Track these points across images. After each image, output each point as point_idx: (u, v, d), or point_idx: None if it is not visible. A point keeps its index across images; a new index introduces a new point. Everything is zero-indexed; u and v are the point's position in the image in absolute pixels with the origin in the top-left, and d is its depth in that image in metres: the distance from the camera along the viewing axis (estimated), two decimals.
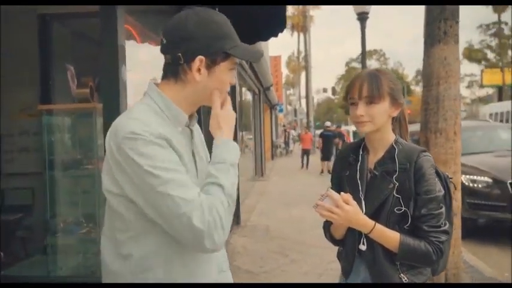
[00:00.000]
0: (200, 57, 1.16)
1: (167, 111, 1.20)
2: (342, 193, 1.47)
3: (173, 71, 1.20)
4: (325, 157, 14.35)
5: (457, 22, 4.18)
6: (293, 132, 30.36)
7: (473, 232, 5.40)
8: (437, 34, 4.11)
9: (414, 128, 5.52)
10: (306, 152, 16.42)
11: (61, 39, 3.73)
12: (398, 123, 1.63)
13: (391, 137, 1.57)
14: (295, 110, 40.29)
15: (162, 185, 1.07)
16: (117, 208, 1.16)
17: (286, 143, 25.99)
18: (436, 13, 4.13)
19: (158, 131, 1.11)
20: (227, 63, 1.21)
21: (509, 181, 5.52)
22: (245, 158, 11.71)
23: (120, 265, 1.17)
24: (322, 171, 14.25)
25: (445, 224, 1.47)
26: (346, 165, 1.64)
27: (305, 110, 34.95)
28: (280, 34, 4.84)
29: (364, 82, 1.51)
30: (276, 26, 4.76)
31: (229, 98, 1.29)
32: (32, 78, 3.60)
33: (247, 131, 13.20)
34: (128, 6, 2.66)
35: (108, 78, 2.40)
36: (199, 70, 1.17)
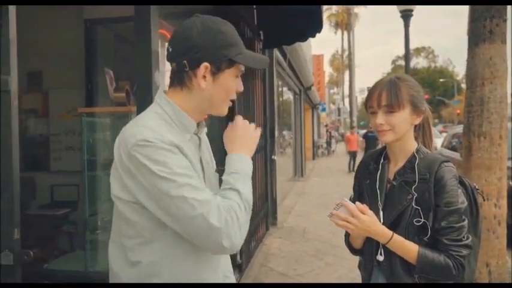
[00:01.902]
0: (205, 64, 1.18)
1: (176, 118, 1.22)
2: (357, 203, 1.46)
3: (179, 78, 1.22)
4: None
5: (505, 20, 3.97)
6: (334, 133, 29.86)
7: None
8: (482, 33, 3.92)
9: (461, 130, 5.30)
10: (352, 154, 15.73)
11: (105, 43, 3.91)
12: (422, 130, 1.58)
13: (412, 145, 1.53)
14: (338, 110, 39.69)
15: (176, 188, 1.09)
16: (125, 214, 1.18)
17: (328, 143, 25.66)
18: (481, 10, 3.94)
19: (169, 139, 1.13)
20: (232, 70, 1.22)
21: None
22: (285, 158, 11.69)
23: (127, 272, 1.19)
24: None
25: (467, 238, 1.41)
26: (366, 174, 1.62)
27: (348, 109, 34.36)
28: (323, 32, 4.83)
29: (383, 91, 1.48)
30: (313, 27, 4.74)
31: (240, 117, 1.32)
32: (78, 81, 3.81)
33: (288, 130, 13.18)
34: (162, 10, 2.74)
35: (142, 83, 2.49)
36: (204, 77, 1.19)
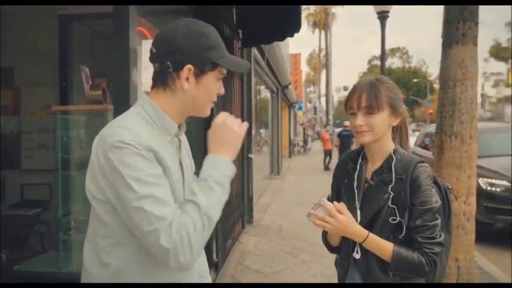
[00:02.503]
0: (189, 66, 1.19)
1: (157, 120, 1.22)
2: (335, 202, 1.48)
3: (162, 79, 1.22)
4: None
5: (477, 23, 4.09)
6: (310, 131, 30.12)
7: (489, 237, 5.29)
8: (455, 35, 4.03)
9: (433, 129, 5.45)
10: (327, 153, 15.87)
11: (81, 40, 3.83)
12: (399, 131, 1.62)
13: (390, 146, 1.57)
14: (314, 108, 40.03)
15: (138, 199, 1.08)
16: (100, 214, 1.18)
17: (305, 141, 25.87)
18: (455, 13, 4.05)
19: (147, 143, 1.12)
20: (215, 73, 1.23)
21: None
22: (261, 156, 11.73)
23: (98, 271, 1.19)
24: None
25: (440, 236, 1.46)
26: (345, 173, 1.64)
27: (324, 108, 34.73)
28: (301, 31, 4.86)
29: (363, 92, 1.51)
30: (291, 27, 4.76)
31: (228, 115, 1.29)
32: (52, 78, 3.72)
33: (265, 129, 13.22)
34: (141, 8, 2.71)
35: (119, 81, 2.45)
36: (187, 79, 1.20)
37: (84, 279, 1.25)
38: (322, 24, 38.54)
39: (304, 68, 52.75)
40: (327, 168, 15.27)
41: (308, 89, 49.03)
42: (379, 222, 1.49)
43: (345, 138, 14.14)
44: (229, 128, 1.25)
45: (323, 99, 42.75)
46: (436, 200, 1.48)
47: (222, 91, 1.28)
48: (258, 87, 10.17)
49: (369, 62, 67.91)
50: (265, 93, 12.93)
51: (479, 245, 4.11)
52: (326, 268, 4.53)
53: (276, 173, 13.52)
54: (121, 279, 1.17)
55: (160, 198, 1.10)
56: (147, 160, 1.11)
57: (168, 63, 1.19)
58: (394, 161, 1.52)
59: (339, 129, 17.83)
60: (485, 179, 5.58)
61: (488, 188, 5.61)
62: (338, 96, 62.56)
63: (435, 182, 1.54)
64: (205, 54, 1.20)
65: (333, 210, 1.46)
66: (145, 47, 2.99)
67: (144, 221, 1.08)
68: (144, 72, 2.90)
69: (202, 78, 1.21)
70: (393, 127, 1.58)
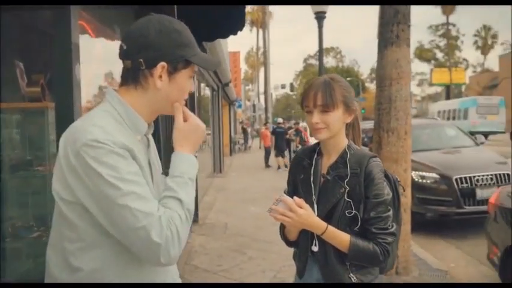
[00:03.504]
0: (162, 63, 1.17)
1: (127, 119, 1.19)
2: (295, 197, 1.53)
3: (133, 77, 1.19)
4: (279, 153, 14.58)
5: (409, 26, 4.37)
6: (249, 129, 30.38)
7: (421, 226, 5.68)
8: (390, 37, 4.28)
9: (368, 125, 5.74)
10: (268, 150, 16.03)
11: (8, 33, 3.54)
12: (352, 128, 1.70)
13: (344, 142, 1.63)
14: (253, 106, 40.43)
15: (122, 196, 1.06)
16: (68, 216, 1.13)
17: (245, 139, 26.05)
18: (389, 16, 4.29)
19: (121, 141, 1.10)
20: (187, 70, 1.22)
21: (455, 177, 5.85)
22: (204, 154, 11.64)
23: (67, 277, 1.14)
24: (279, 167, 14.47)
25: (392, 226, 1.55)
26: (301, 169, 1.69)
27: (264, 105, 35.19)
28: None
29: (318, 91, 1.56)
30: (235, 24, 4.77)
31: (191, 113, 1.28)
32: None
33: (207, 127, 13.11)
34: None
35: (61, 77, 2.32)
36: (160, 77, 1.18)
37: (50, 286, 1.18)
38: (260, 23, 38.97)
39: (243, 66, 53.04)
40: (267, 165, 15.50)
41: (246, 87, 49.36)
42: (336, 216, 1.55)
43: (278, 135, 14.50)
44: (197, 127, 1.26)
45: (262, 97, 43.27)
46: (387, 193, 1.57)
47: (193, 89, 1.28)
48: (200, 84, 10.07)
49: (305, 60, 69.83)
50: (206, 91, 12.83)
51: (413, 234, 4.39)
52: (273, 263, 4.62)
53: (218, 171, 13.48)
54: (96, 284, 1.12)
55: (142, 195, 1.09)
56: (123, 158, 1.09)
57: (141, 60, 1.16)
58: (348, 156, 1.59)
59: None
60: (416, 172, 5.97)
61: (420, 180, 6.01)
62: (276, 93, 63.67)
63: (386, 176, 1.63)
64: (179, 51, 1.18)
65: (293, 205, 1.50)
66: (85, 43, 2.84)
67: (131, 218, 1.06)
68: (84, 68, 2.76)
69: (175, 76, 1.20)
70: (346, 124, 1.65)
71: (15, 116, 2.76)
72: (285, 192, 1.70)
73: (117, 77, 3.95)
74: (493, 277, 4.04)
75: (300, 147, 14.73)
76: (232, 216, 7.06)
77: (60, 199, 1.13)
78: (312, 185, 1.62)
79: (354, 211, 1.53)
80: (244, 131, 26.38)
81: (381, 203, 1.53)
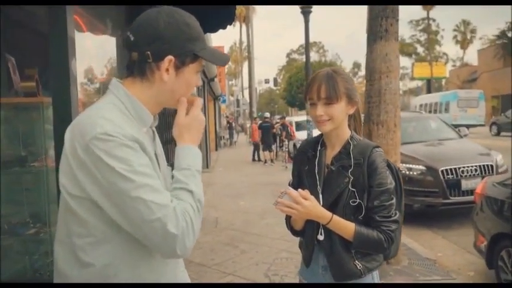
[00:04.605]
0: (170, 57, 1.15)
1: (133, 111, 1.17)
2: (300, 189, 1.55)
3: (140, 69, 1.17)
4: (266, 147, 14.64)
5: (397, 20, 4.44)
6: (234, 124, 30.35)
7: (409, 217, 5.79)
8: (379, 31, 4.34)
9: None
10: (257, 145, 16.03)
11: None
12: (354, 119, 1.73)
13: (347, 133, 1.67)
14: (237, 101, 40.35)
15: (135, 189, 1.05)
16: (76, 211, 1.10)
17: (231, 134, 26.03)
18: (378, 10, 4.35)
19: (130, 133, 1.08)
20: (195, 65, 1.21)
21: (441, 169, 5.98)
22: None
23: (78, 273, 1.12)
24: (265, 162, 14.53)
25: (395, 214, 1.59)
26: (305, 160, 1.72)
27: (248, 100, 35.17)
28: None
29: (322, 84, 1.59)
30: (224, 19, 4.75)
31: (198, 102, 1.27)
32: None
33: None
34: None
35: (57, 72, 2.29)
36: (167, 70, 1.16)
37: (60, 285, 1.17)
38: (243, 18, 38.83)
39: None
40: (256, 159, 15.55)
41: (230, 82, 49.22)
42: (340, 205, 1.59)
43: (264, 130, 14.58)
44: (199, 119, 1.26)
45: (245, 92, 43.23)
46: (390, 182, 1.61)
47: (200, 83, 1.27)
48: None
49: (288, 55, 69.95)
50: None
51: None
52: (266, 256, 4.66)
53: (205, 166, 13.46)
54: (107, 278, 1.12)
55: (155, 187, 1.08)
56: (134, 151, 1.08)
57: (148, 53, 1.14)
58: (351, 147, 1.63)
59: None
60: (404, 164, 6.08)
61: (407, 172, 6.13)
62: (260, 88, 63.63)
63: (388, 165, 1.68)
64: (188, 45, 1.17)
65: (298, 197, 1.53)
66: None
67: (145, 210, 1.04)
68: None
69: (182, 70, 1.18)
70: (349, 115, 1.68)
71: (9, 111, 2.71)
72: (290, 184, 1.73)
73: (97, 72, 3.88)
74: (479, 264, 4.17)
75: (286, 141, 14.82)
76: (222, 211, 7.07)
77: (68, 194, 1.11)
78: (317, 176, 1.65)
79: (358, 200, 1.57)
80: (229, 126, 26.34)
81: (384, 191, 1.57)
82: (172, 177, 1.20)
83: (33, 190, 2.67)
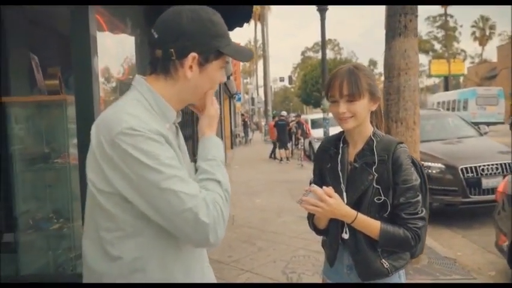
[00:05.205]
0: (193, 54, 1.15)
1: (156, 107, 1.18)
2: (324, 187, 1.53)
3: (163, 66, 1.18)
4: (282, 145, 14.61)
5: (416, 16, 4.38)
6: (249, 122, 30.37)
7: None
8: (398, 27, 4.29)
9: None
10: (275, 143, 15.91)
11: (17, 28, 3.54)
12: (375, 115, 1.71)
13: (369, 129, 1.64)
14: (252, 99, 40.36)
15: (165, 180, 1.05)
16: (105, 206, 1.12)
17: (246, 132, 26.06)
18: (397, 6, 4.29)
19: (155, 128, 1.10)
20: (219, 61, 1.21)
21: (461, 167, 5.89)
22: None
23: (108, 267, 1.14)
24: (281, 160, 14.51)
25: (422, 211, 1.56)
26: (327, 158, 1.70)
27: (263, 98, 35.15)
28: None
29: (344, 81, 1.56)
30: (242, 16, 4.76)
31: (214, 99, 1.31)
32: None
33: None
34: None
35: (80, 70, 2.33)
36: (191, 67, 1.16)
37: (88, 278, 1.19)
38: (258, 16, 38.78)
39: None
40: (272, 157, 15.52)
41: (245, 80, 49.21)
42: (365, 203, 1.56)
43: (280, 128, 14.55)
44: (217, 113, 1.30)
45: (260, 90, 43.21)
46: (416, 178, 1.59)
47: (224, 79, 1.29)
48: None
49: (303, 53, 69.66)
50: None
51: None
52: (283, 254, 4.66)
53: None
54: (136, 271, 1.13)
55: (184, 178, 1.09)
56: (160, 144, 1.09)
57: (172, 50, 1.15)
58: (374, 143, 1.60)
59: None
60: (422, 162, 5.99)
61: (426, 171, 6.04)
62: (275, 86, 63.54)
63: (412, 162, 1.65)
64: (212, 42, 1.17)
65: (323, 195, 1.51)
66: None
67: (176, 201, 1.06)
68: None
69: (206, 67, 1.19)
70: (371, 111, 1.66)
71: (33, 109, 2.77)
72: (311, 182, 1.72)
73: (117, 71, 3.90)
74: (500, 264, 4.10)
75: (301, 139, 14.77)
76: (239, 208, 7.09)
77: (95, 189, 1.12)
78: (340, 174, 1.63)
79: (383, 197, 1.55)
80: (244, 124, 26.36)
81: (409, 188, 1.54)
82: (196, 170, 1.22)
83: (56, 186, 2.72)
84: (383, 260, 1.57)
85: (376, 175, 1.56)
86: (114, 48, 3.64)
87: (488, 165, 5.93)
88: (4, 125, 2.76)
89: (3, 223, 2.98)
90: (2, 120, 2.86)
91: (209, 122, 1.27)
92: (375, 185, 1.56)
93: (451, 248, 4.85)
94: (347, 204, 1.57)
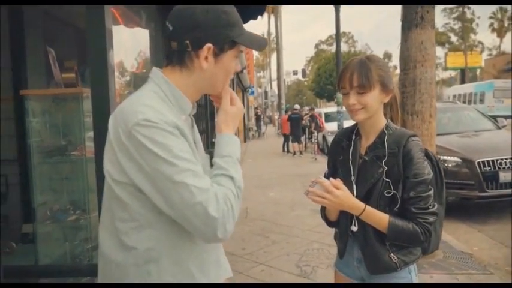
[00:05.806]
0: (208, 45, 1.16)
1: (173, 99, 1.19)
2: (331, 179, 1.52)
3: (179, 58, 1.19)
4: (295, 139, 14.58)
5: (434, 7, 4.30)
6: (263, 115, 30.33)
7: None
8: (414, 18, 4.22)
9: None
10: (285, 136, 16.00)
11: (34, 22, 3.58)
12: (390, 107, 1.68)
13: (382, 122, 1.62)
14: (265, 93, 40.27)
15: (178, 173, 1.07)
16: (120, 196, 1.14)
17: (259, 126, 26.04)
18: None
19: (172, 120, 1.10)
20: (233, 51, 1.22)
21: (477, 160, 5.79)
22: None
23: (123, 256, 1.15)
24: (294, 153, 14.48)
25: (433, 206, 1.53)
26: (340, 150, 1.69)
27: (276, 92, 35.06)
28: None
29: (354, 72, 1.54)
30: (256, 10, 4.74)
31: (235, 95, 1.31)
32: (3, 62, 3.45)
33: None
34: None
35: (96, 63, 2.34)
36: (206, 58, 1.17)
37: (103, 269, 1.21)
38: (272, 9, 38.54)
39: (254, 53, 52.75)
40: (286, 151, 15.50)
41: (258, 74, 49.13)
42: (374, 196, 1.55)
43: (293, 121, 14.50)
44: (240, 110, 1.30)
45: (273, 84, 43.08)
46: (428, 172, 1.55)
47: (239, 68, 1.28)
48: None
49: (316, 46, 69.18)
50: None
51: None
52: (297, 247, 4.67)
53: None
54: (150, 261, 1.15)
55: (196, 172, 1.10)
56: (176, 136, 1.10)
57: (187, 42, 1.16)
58: (386, 136, 1.58)
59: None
60: (438, 156, 5.91)
61: (442, 165, 5.96)
62: (288, 80, 63.30)
63: (427, 155, 1.63)
64: (225, 31, 1.18)
65: (330, 187, 1.50)
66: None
67: (187, 194, 1.07)
68: None
69: (221, 57, 1.19)
70: (384, 103, 1.63)
71: (50, 102, 2.80)
72: (325, 175, 1.71)
73: (131, 64, 3.91)
74: None
75: (315, 133, 14.70)
76: (252, 202, 7.11)
77: (112, 180, 1.14)
78: (351, 166, 1.62)
79: (392, 191, 1.53)
80: (257, 117, 26.34)
81: (420, 182, 1.51)
82: (212, 164, 1.22)
83: (73, 178, 2.76)
84: (392, 255, 1.55)
85: (386, 168, 1.54)
86: (129, 42, 3.66)
87: (506, 158, 5.81)
88: (22, 118, 2.81)
89: (22, 214, 3.05)
90: (20, 113, 2.92)
91: (225, 118, 1.26)
92: (384, 178, 1.54)
93: (466, 243, 4.79)
94: (356, 196, 1.55)
